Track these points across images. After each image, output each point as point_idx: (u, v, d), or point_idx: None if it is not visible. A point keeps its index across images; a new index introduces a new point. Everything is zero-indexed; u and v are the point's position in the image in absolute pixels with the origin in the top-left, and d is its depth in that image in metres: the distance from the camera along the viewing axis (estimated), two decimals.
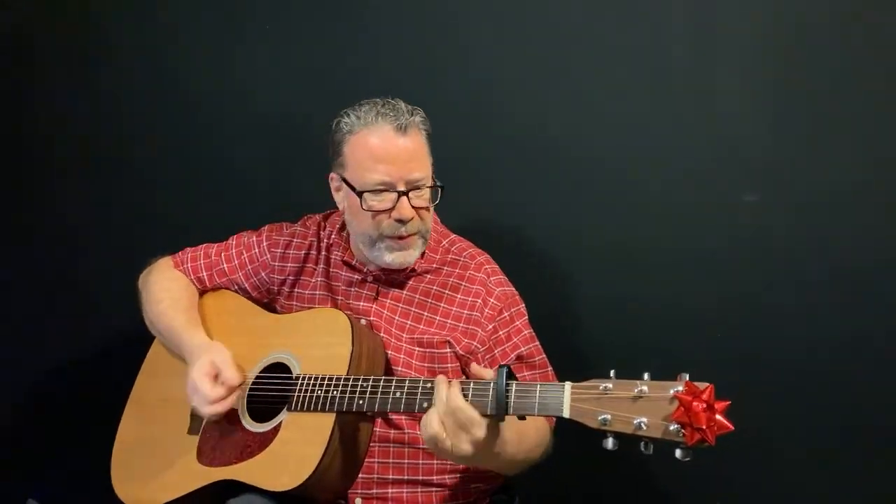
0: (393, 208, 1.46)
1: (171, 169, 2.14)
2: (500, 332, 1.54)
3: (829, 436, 1.78)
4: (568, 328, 1.91)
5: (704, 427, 1.07)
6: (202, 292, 1.70)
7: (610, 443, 1.14)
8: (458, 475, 1.53)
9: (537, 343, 1.57)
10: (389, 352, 1.51)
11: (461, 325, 1.53)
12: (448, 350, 1.52)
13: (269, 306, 1.68)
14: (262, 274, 1.66)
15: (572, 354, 1.84)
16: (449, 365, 1.52)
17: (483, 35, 1.93)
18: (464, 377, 1.53)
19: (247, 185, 2.09)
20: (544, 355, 1.57)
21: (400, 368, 1.51)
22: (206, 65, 2.09)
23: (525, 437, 1.36)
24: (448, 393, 1.22)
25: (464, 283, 1.57)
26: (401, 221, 1.46)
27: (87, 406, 2.08)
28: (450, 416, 1.21)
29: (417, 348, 1.52)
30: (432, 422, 1.22)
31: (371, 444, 1.48)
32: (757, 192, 1.79)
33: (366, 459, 1.47)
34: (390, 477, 1.50)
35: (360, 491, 1.49)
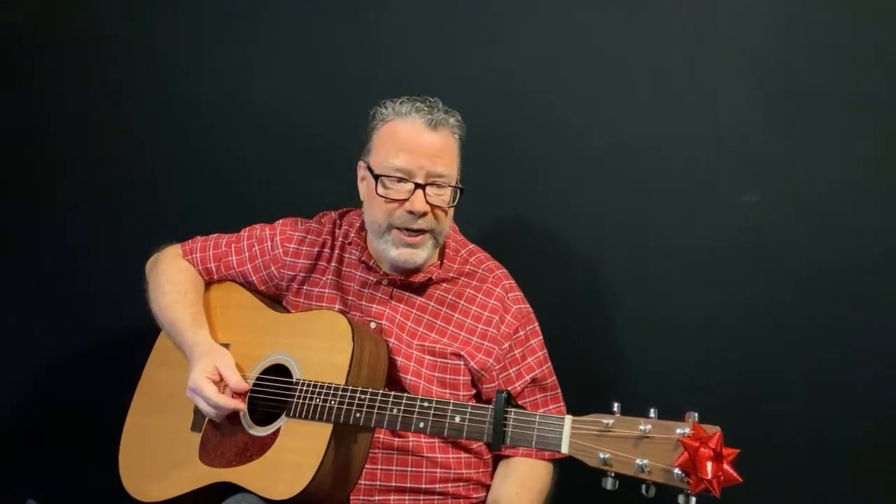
0: (407, 200, 1.42)
1: (174, 167, 2.12)
2: (516, 352, 1.52)
3: (830, 436, 1.76)
4: (567, 327, 1.86)
5: (710, 478, 1.01)
6: (208, 284, 1.67)
7: (609, 482, 1.09)
8: (461, 485, 1.51)
9: (550, 364, 1.56)
10: (399, 358, 1.49)
11: (475, 338, 1.51)
12: (460, 363, 1.49)
13: (276, 301, 1.65)
14: (273, 268, 1.62)
15: (571, 353, 1.80)
16: (461, 378, 1.50)
17: (486, 36, 1.91)
18: (474, 391, 1.52)
19: (252, 184, 2.07)
20: (555, 377, 1.56)
21: (409, 377, 1.48)
22: (212, 63, 2.07)
23: None
24: None
25: (480, 297, 1.54)
26: (412, 214, 1.43)
27: (87, 406, 2.10)
28: None
29: (428, 357, 1.50)
30: None
31: (374, 451, 1.46)
32: (757, 191, 1.78)
33: (369, 466, 1.45)
34: (392, 484, 1.48)
35: (361, 497, 1.48)
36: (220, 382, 1.44)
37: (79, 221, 2.16)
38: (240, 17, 2.04)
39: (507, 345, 1.51)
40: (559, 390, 1.56)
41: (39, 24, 2.14)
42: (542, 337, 1.56)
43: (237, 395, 1.44)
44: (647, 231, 1.84)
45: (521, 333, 1.53)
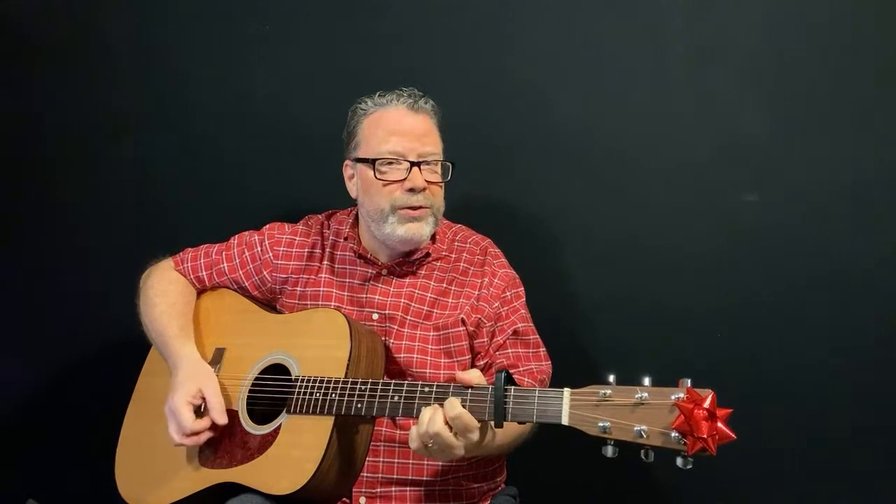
0: (405, 179, 1.49)
1: (171, 170, 2.12)
2: (501, 310, 1.58)
3: (830, 436, 1.77)
4: (569, 327, 1.90)
5: (706, 436, 1.05)
6: (201, 292, 1.69)
7: (609, 450, 1.12)
8: (461, 476, 1.54)
9: (532, 324, 1.60)
10: (404, 342, 1.53)
11: (471, 301, 1.56)
12: (461, 328, 1.54)
13: (270, 305, 1.67)
14: (264, 273, 1.65)
15: (573, 353, 1.83)
16: (463, 343, 1.54)
17: (485, 34, 1.93)
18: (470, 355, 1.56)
19: (247, 186, 2.08)
20: (538, 336, 1.60)
21: (416, 356, 1.52)
22: (207, 65, 2.08)
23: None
24: (430, 418, 1.23)
25: (473, 268, 1.61)
26: (412, 191, 1.49)
27: (87, 406, 2.10)
28: (431, 439, 1.23)
29: (433, 333, 1.54)
30: (412, 439, 1.26)
31: (376, 444, 1.49)
32: (756, 191, 1.79)
33: (370, 459, 1.47)
34: (394, 476, 1.50)
35: (363, 490, 1.50)
36: (202, 408, 1.45)
37: (78, 222, 2.15)
38: (239, 21, 2.06)
39: (496, 304, 1.56)
40: (543, 349, 1.59)
41: (39, 24, 2.14)
42: (525, 301, 1.61)
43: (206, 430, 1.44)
44: (647, 231, 1.85)
45: (508, 294, 1.59)
